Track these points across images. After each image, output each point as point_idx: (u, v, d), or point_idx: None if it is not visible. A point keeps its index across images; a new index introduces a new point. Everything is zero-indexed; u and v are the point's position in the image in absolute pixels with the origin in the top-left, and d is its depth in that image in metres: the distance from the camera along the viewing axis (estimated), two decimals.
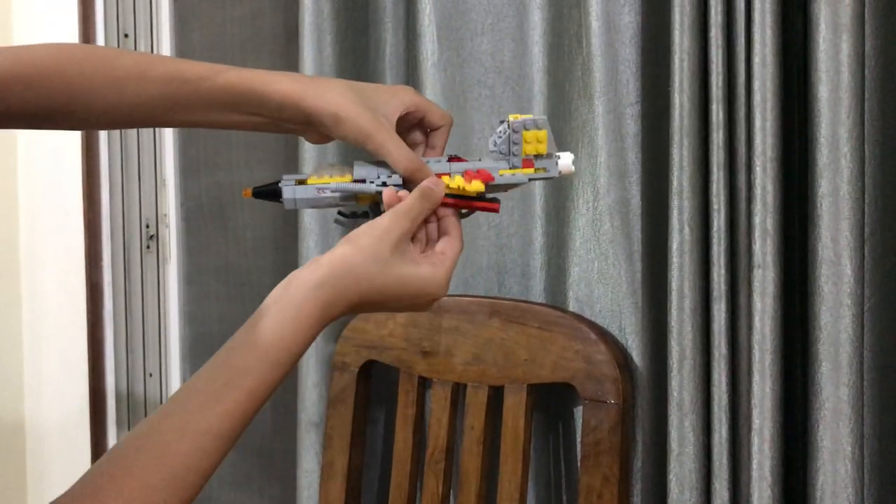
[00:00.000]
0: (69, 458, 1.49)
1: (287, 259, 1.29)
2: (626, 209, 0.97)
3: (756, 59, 0.85)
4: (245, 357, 0.56)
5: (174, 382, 1.50)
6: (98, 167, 1.44)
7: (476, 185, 0.65)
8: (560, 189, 1.03)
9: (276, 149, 1.34)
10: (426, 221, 0.64)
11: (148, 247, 1.48)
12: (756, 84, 0.85)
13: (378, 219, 0.61)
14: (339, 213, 0.68)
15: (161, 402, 1.50)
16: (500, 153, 0.67)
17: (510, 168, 0.66)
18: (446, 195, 0.64)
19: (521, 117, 0.66)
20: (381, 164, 0.65)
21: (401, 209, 0.61)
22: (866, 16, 0.84)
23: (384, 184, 0.64)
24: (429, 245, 0.65)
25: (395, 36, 1.16)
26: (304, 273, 0.58)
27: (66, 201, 1.47)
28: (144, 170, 1.47)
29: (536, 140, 0.66)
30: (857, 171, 0.83)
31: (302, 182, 0.65)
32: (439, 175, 0.65)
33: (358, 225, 0.64)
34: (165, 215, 1.47)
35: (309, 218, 1.17)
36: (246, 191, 0.67)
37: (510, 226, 1.08)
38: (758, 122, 0.86)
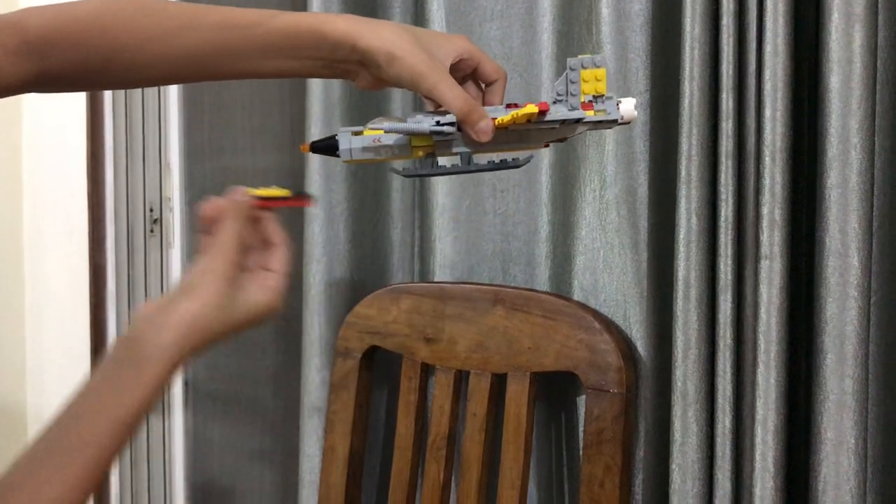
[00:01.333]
0: None
1: (292, 243, 1.29)
2: (633, 198, 0.97)
3: (767, 48, 0.85)
4: (93, 425, 0.53)
5: None
6: (102, 150, 1.44)
7: (529, 109, 0.60)
8: (566, 177, 1.02)
9: (282, 133, 1.33)
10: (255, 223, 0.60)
11: (151, 230, 1.48)
12: (767, 73, 0.85)
13: (204, 261, 0.58)
14: (392, 169, 0.66)
15: None
16: (558, 95, 0.62)
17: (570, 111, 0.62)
18: (255, 198, 0.60)
19: (579, 56, 0.62)
20: (435, 114, 0.63)
21: (219, 244, 0.58)
22: (880, 6, 0.83)
23: (438, 123, 0.61)
24: (253, 252, 0.61)
25: (403, 21, 1.15)
26: (148, 335, 0.55)
27: (70, 183, 1.47)
28: (149, 153, 1.47)
29: (595, 79, 0.62)
30: (867, 163, 0.82)
31: (358, 133, 0.63)
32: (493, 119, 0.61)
33: (419, 175, 0.64)
34: (169, 199, 1.47)
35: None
36: (304, 146, 0.65)
37: (516, 214, 1.08)
38: (768, 112, 0.85)
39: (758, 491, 0.87)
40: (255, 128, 1.37)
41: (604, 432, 0.95)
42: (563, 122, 0.62)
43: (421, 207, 1.15)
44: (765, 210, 0.86)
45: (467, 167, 0.64)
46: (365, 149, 0.63)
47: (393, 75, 0.62)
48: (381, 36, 0.62)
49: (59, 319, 1.54)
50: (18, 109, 1.54)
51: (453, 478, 1.08)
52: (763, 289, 0.87)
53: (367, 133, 0.63)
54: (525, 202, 1.07)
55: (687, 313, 0.90)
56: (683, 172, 0.89)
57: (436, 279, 1.11)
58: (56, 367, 1.54)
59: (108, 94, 1.43)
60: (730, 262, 0.89)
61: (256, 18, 0.64)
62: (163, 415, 1.49)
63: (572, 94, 0.62)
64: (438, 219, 1.10)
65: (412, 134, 0.62)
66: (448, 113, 0.61)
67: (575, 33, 1.01)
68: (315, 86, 1.14)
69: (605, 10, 0.96)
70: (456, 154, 0.63)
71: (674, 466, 0.92)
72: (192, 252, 1.46)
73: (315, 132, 1.15)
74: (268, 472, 1.40)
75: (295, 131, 1.29)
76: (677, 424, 0.91)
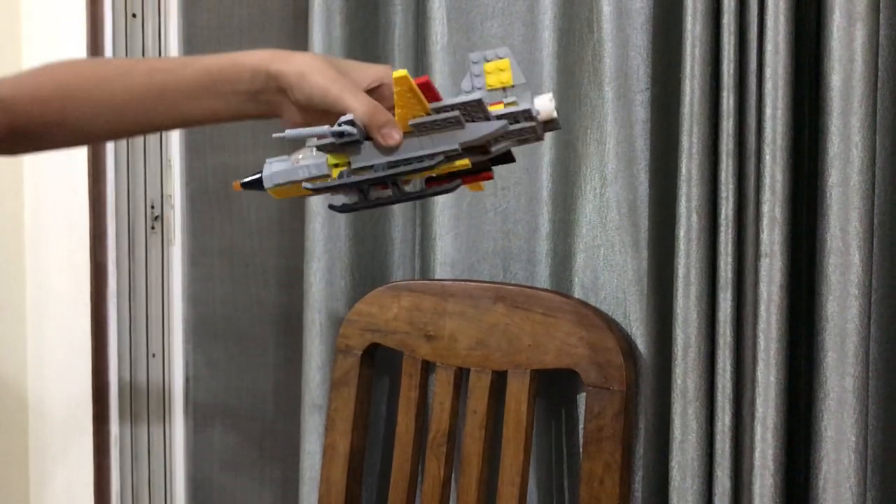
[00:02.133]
0: (71, 435, 1.50)
1: (293, 241, 1.29)
2: (634, 196, 0.97)
3: (769, 47, 0.85)
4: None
5: (177, 363, 1.50)
6: (104, 147, 1.44)
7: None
8: (567, 175, 1.02)
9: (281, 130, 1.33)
10: None
11: (153, 227, 1.48)
12: (768, 72, 0.85)
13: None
14: (330, 205, 0.66)
15: (164, 382, 1.50)
16: (464, 94, 0.61)
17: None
18: (431, 178, 0.60)
19: (480, 51, 0.61)
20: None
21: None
22: (881, 5, 0.83)
23: (339, 124, 0.60)
24: None
25: (404, 18, 1.15)
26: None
27: (71, 180, 1.47)
28: (150, 150, 1.47)
29: (498, 69, 0.60)
30: (868, 161, 0.83)
31: (282, 161, 0.65)
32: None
33: (354, 209, 0.62)
34: (170, 196, 1.47)
35: (316, 200, 1.16)
36: (235, 183, 0.67)
37: (516, 212, 1.08)
38: (769, 111, 0.85)
39: (757, 488, 0.87)
40: (255, 124, 1.37)
41: (604, 429, 0.96)
42: (464, 110, 0.59)
43: (421, 205, 1.15)
44: (765, 208, 0.86)
45: (400, 196, 0.62)
46: (285, 171, 0.64)
47: (305, 94, 0.65)
48: (292, 60, 0.66)
49: (61, 316, 1.54)
50: None
51: (453, 474, 1.09)
52: (763, 287, 0.87)
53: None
54: (526, 200, 1.07)
55: (687, 311, 0.90)
56: (684, 170, 0.89)
57: (436, 277, 1.11)
58: (57, 363, 1.54)
59: None
60: (730, 259, 0.89)
61: (182, 62, 0.70)
62: (163, 412, 1.50)
63: (477, 89, 0.61)
64: (439, 216, 1.10)
65: (312, 135, 0.62)
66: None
67: (576, 31, 1.01)
68: None
69: (607, 8, 0.96)
70: (371, 167, 0.61)
71: (673, 464, 0.92)
72: (192, 249, 1.46)
73: None
74: (268, 469, 1.40)
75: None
76: (677, 422, 0.91)
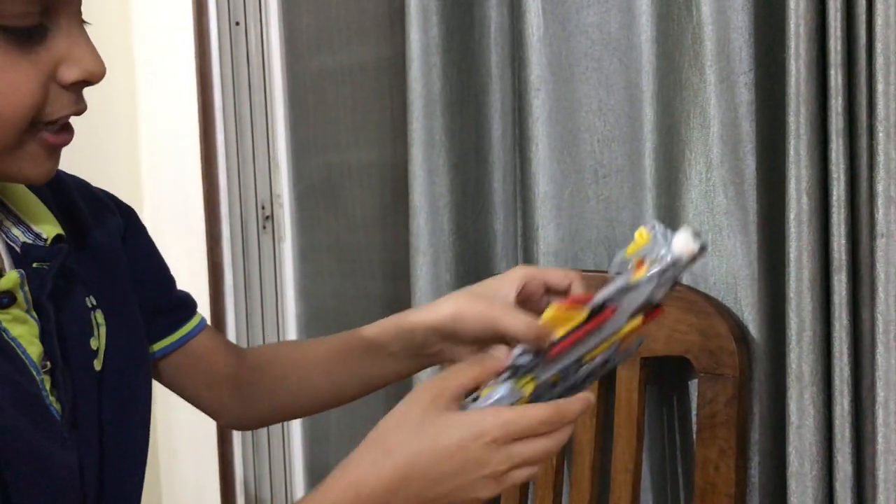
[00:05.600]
0: (196, 426, 1.58)
1: (397, 236, 1.32)
2: (741, 180, 0.95)
3: (878, 21, 0.82)
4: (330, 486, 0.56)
5: None
6: (215, 152, 1.50)
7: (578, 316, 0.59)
8: (671, 161, 1.02)
9: (384, 128, 1.36)
10: None
11: (264, 227, 1.54)
12: (878, 46, 0.82)
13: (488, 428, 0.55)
14: None
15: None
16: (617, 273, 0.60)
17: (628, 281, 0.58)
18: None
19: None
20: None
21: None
22: None
23: (511, 362, 0.59)
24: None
25: (499, 13, 1.16)
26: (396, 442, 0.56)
27: (186, 184, 1.54)
28: (258, 153, 1.52)
29: (639, 236, 0.59)
30: None
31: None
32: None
33: None
34: (279, 196, 1.52)
35: (419, 196, 1.19)
36: None
37: (619, 199, 1.08)
38: (880, 87, 0.83)
39: (881, 475, 0.86)
40: (357, 124, 1.41)
41: (717, 415, 0.95)
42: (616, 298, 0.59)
43: (522, 196, 1.16)
44: (880, 187, 0.84)
45: (599, 375, 0.62)
46: None
47: (468, 333, 0.67)
48: (440, 306, 0.70)
49: None
50: (136, 117, 1.62)
51: (566, 461, 1.10)
52: (880, 267, 0.85)
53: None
54: (629, 187, 1.07)
55: (800, 294, 0.89)
56: (792, 151, 0.88)
57: (541, 267, 1.12)
58: None
59: (218, 98, 1.49)
60: (843, 240, 0.87)
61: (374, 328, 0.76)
62: None
63: (625, 262, 0.59)
64: (540, 207, 1.11)
65: (494, 387, 0.58)
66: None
67: (674, 15, 1.00)
68: (415, 82, 1.16)
69: None
70: (560, 371, 0.59)
71: (790, 449, 0.91)
72: (302, 246, 1.52)
73: (416, 126, 1.17)
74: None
75: (396, 127, 1.32)
76: (793, 407, 0.90)
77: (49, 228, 0.63)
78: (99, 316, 0.66)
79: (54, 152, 0.58)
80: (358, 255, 1.45)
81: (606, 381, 1.04)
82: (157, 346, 0.74)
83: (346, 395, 0.79)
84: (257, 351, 0.86)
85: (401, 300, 1.29)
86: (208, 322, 0.80)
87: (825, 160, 0.88)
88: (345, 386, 0.78)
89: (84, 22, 0.56)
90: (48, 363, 0.60)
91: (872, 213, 0.85)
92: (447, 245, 1.19)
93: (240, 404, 0.79)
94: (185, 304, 0.78)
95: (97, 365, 0.64)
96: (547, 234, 1.11)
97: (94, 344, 0.64)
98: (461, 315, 0.67)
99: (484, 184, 1.20)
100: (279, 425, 1.55)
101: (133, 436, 0.67)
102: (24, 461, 0.57)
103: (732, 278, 0.97)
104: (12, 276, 0.58)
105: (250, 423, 0.85)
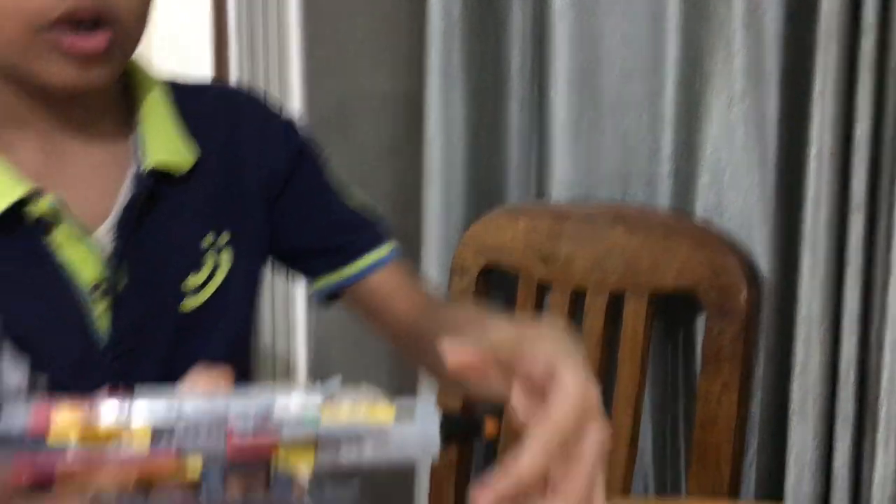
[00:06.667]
0: None
1: (410, 164, 1.31)
2: (763, 115, 0.95)
3: None
4: None
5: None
6: (227, 81, 1.49)
7: None
8: (692, 94, 1.01)
9: (401, 56, 1.34)
10: None
11: None
12: None
13: None
14: None
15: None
16: None
17: None
18: None
19: None
20: None
21: None
22: None
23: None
24: None
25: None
26: None
27: None
28: (271, 78, 1.51)
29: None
30: None
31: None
32: None
33: None
34: None
35: (433, 126, 1.17)
36: None
37: (637, 132, 1.07)
38: None
39: (883, 414, 0.86)
40: (374, 50, 1.39)
41: (723, 351, 0.95)
42: None
43: (539, 126, 1.15)
44: None
45: None
46: None
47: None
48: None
49: None
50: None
51: None
52: None
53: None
54: (647, 120, 1.06)
55: (816, 233, 0.89)
56: (818, 88, 0.87)
57: (553, 199, 1.11)
58: None
59: (232, 20, 1.47)
60: (864, 181, 0.87)
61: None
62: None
63: None
64: (557, 137, 1.10)
65: None
66: None
67: None
68: (434, 6, 1.14)
69: None
70: None
71: (794, 387, 0.91)
72: None
73: (434, 53, 1.16)
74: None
75: (413, 54, 1.30)
76: (800, 345, 0.90)
77: (156, 157, 0.62)
78: (221, 255, 0.65)
79: (75, 58, 0.56)
80: (367, 182, 1.44)
81: (613, 314, 1.04)
82: (319, 284, 0.72)
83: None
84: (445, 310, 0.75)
85: (410, 230, 1.29)
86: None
87: (851, 97, 0.87)
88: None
89: None
90: (105, 288, 0.60)
91: (895, 153, 0.84)
92: (459, 173, 1.18)
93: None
94: (358, 243, 0.72)
95: (191, 303, 0.64)
96: (562, 165, 1.10)
97: (192, 282, 0.64)
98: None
99: (501, 114, 1.19)
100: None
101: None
102: (59, 373, 0.59)
103: (747, 215, 0.97)
104: (47, 200, 0.58)
105: None
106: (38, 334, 0.59)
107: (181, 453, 0.36)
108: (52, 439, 0.35)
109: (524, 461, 0.39)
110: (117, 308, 0.60)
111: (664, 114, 1.04)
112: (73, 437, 0.35)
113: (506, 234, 1.13)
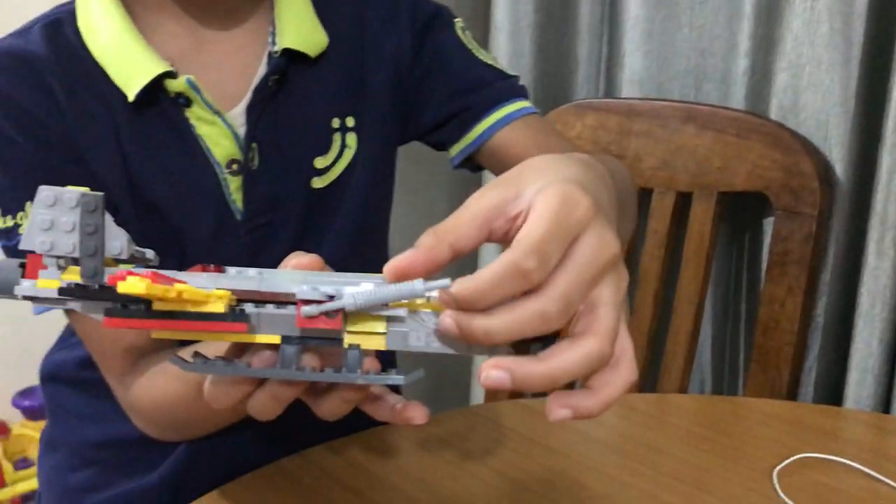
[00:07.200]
0: None
1: None
2: (850, 9, 0.90)
3: None
4: None
5: None
6: None
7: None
8: None
9: None
10: None
11: None
12: None
13: None
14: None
15: None
16: None
17: None
18: None
19: None
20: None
21: None
22: None
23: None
24: None
25: None
26: None
27: None
28: None
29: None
30: None
31: None
32: None
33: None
34: None
35: (501, 14, 1.15)
36: None
37: (714, 27, 1.03)
38: None
39: None
40: None
41: (790, 253, 0.94)
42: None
43: (611, 20, 1.12)
44: None
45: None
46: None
47: None
48: None
49: None
50: None
51: (630, 288, 1.11)
52: None
53: None
54: (725, 15, 1.02)
55: None
56: None
57: (623, 96, 1.09)
58: None
59: None
60: None
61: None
62: None
63: None
64: (629, 32, 1.07)
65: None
66: None
67: None
68: None
69: None
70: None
71: (863, 290, 0.90)
72: None
73: None
74: None
75: None
76: (872, 248, 0.89)
77: (290, 38, 0.63)
78: (347, 138, 0.67)
79: None
80: None
81: (679, 214, 1.03)
82: (454, 152, 0.72)
83: None
84: None
85: None
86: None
87: None
88: None
89: None
90: (239, 165, 0.63)
91: None
92: (527, 67, 1.16)
93: None
94: (483, 102, 0.69)
95: (318, 182, 0.66)
96: (633, 60, 1.07)
97: (320, 162, 0.66)
98: None
99: (570, 4, 1.16)
100: None
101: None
102: (196, 244, 0.63)
103: (825, 115, 0.94)
104: (181, 81, 0.60)
105: None
106: (177, 202, 0.62)
107: (251, 322, 0.37)
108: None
109: (472, 280, 0.34)
110: (251, 184, 0.63)
111: (744, 8, 1.00)
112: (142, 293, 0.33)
113: (573, 130, 1.12)
